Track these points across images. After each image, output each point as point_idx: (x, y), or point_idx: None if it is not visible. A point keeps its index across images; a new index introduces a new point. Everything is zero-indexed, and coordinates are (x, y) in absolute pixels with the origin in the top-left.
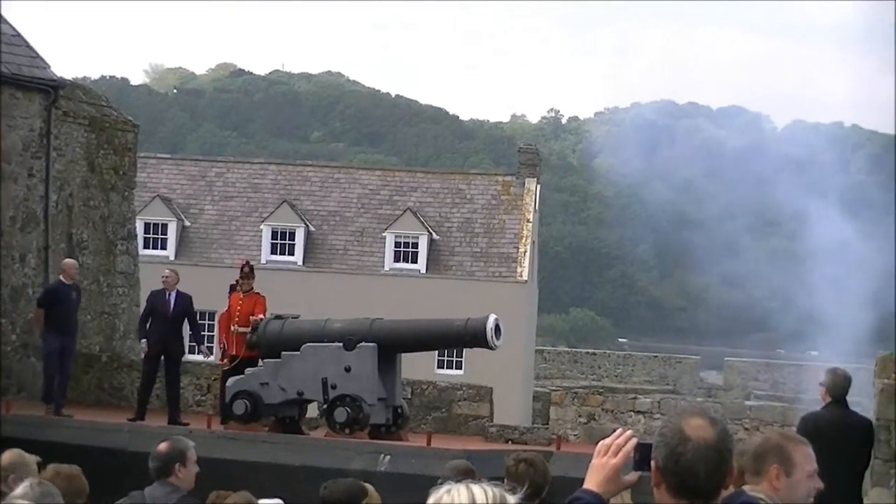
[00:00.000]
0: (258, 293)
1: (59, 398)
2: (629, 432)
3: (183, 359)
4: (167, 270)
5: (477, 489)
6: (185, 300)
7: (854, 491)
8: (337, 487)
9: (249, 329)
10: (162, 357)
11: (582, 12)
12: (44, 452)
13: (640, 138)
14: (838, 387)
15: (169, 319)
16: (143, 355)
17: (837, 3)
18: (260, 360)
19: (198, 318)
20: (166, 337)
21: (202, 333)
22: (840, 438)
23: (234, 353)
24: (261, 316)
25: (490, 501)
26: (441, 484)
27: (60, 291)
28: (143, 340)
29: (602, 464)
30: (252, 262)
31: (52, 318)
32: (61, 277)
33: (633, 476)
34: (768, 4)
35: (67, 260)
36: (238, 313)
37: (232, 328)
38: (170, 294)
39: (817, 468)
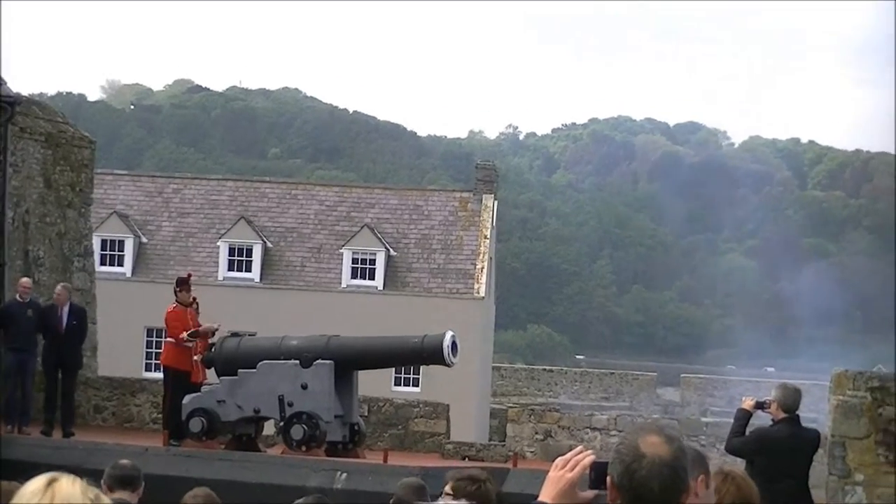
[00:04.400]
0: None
1: (24, 417)
2: (588, 451)
3: (79, 371)
4: (59, 287)
5: None
6: (78, 313)
7: (807, 500)
8: None
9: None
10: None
11: (541, 28)
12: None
13: (597, 154)
14: (790, 400)
15: (63, 334)
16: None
17: (801, 15)
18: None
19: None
20: (61, 351)
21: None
22: (790, 453)
23: (202, 378)
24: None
25: None
26: None
27: (14, 309)
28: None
29: (558, 477)
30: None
31: (8, 337)
32: (17, 296)
33: (588, 493)
34: (729, 18)
35: (23, 279)
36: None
37: (188, 341)
38: (62, 309)
39: None
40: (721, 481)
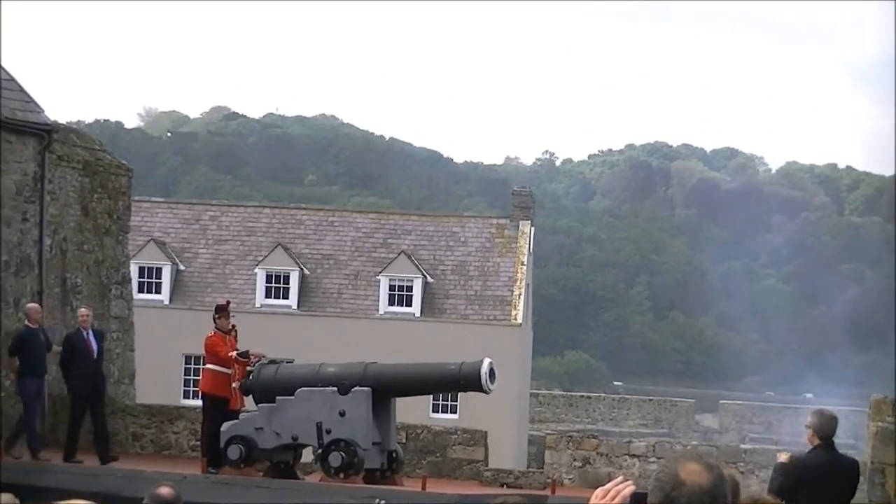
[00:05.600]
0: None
1: (42, 441)
2: (628, 481)
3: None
4: (83, 309)
5: None
6: (102, 337)
7: None
8: None
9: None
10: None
11: (575, 53)
12: (36, 498)
13: (634, 180)
14: (825, 426)
15: (95, 358)
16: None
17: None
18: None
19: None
20: (94, 375)
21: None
22: (829, 481)
23: (240, 406)
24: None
25: None
26: None
27: (29, 336)
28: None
29: None
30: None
31: (27, 364)
32: (27, 322)
33: None
34: (760, 45)
35: (30, 304)
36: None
37: (230, 368)
38: (88, 333)
39: None
40: None
